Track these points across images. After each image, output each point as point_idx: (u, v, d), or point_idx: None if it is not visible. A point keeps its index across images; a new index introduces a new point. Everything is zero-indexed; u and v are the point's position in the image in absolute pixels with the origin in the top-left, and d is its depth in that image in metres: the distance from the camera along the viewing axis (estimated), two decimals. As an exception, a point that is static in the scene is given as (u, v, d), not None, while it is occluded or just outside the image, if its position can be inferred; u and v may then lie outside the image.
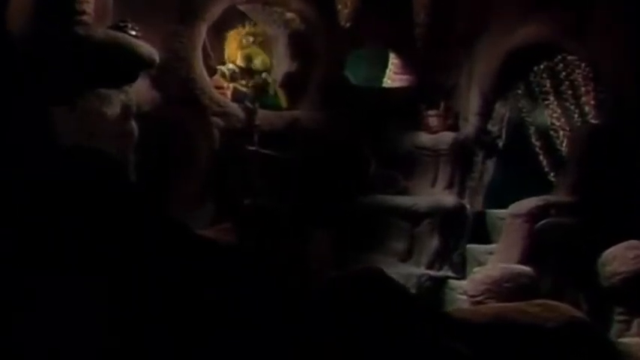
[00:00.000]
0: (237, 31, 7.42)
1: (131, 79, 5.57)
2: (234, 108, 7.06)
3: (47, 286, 2.74)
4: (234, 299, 3.12)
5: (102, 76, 5.22)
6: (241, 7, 7.40)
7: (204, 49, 7.00)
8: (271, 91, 7.38)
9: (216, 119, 6.92)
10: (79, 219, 2.86)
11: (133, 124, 5.81)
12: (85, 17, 5.06)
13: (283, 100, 7.51)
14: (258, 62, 7.34)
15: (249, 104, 7.09)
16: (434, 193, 7.54)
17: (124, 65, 5.31)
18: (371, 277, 3.93)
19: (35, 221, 2.81)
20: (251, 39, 7.40)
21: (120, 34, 5.24)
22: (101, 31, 5.10)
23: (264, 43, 7.49)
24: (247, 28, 7.42)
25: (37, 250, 2.77)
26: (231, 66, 7.35)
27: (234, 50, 7.36)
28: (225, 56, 7.38)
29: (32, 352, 2.67)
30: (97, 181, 2.96)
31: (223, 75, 7.28)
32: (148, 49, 5.41)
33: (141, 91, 6.51)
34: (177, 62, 6.67)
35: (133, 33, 5.48)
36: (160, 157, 6.88)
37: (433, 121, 7.65)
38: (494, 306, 5.02)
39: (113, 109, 5.38)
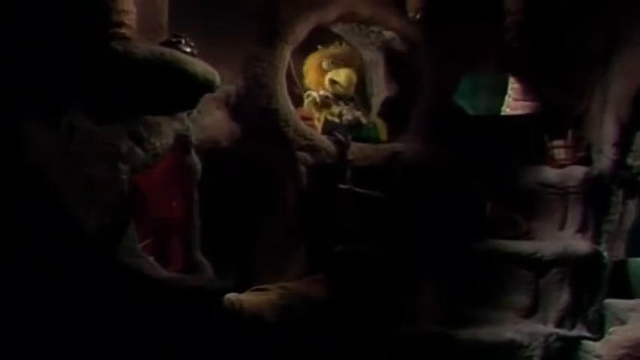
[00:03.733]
0: (313, 55, 6.60)
1: (186, 104, 4.81)
2: (324, 141, 6.20)
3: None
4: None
5: (145, 101, 4.46)
6: (335, 29, 6.62)
7: (289, 75, 6.19)
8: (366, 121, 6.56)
9: (302, 154, 6.08)
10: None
11: (194, 157, 5.06)
12: (124, 30, 4.33)
13: (382, 132, 6.63)
14: (342, 77, 6.52)
15: (340, 136, 6.23)
16: (562, 238, 6.57)
17: (173, 87, 4.53)
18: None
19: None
20: (331, 61, 6.58)
21: (168, 51, 4.46)
22: (144, 47, 4.33)
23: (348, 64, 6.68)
24: (325, 50, 6.60)
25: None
26: (322, 92, 6.55)
27: (315, 76, 6.56)
28: (306, 85, 6.57)
29: None
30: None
31: (314, 102, 6.48)
32: (204, 68, 4.61)
33: (218, 123, 5.82)
34: (257, 90, 5.90)
35: (188, 50, 4.70)
36: (241, 199, 6.18)
37: (560, 154, 6.71)
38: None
39: (163, 140, 4.62)
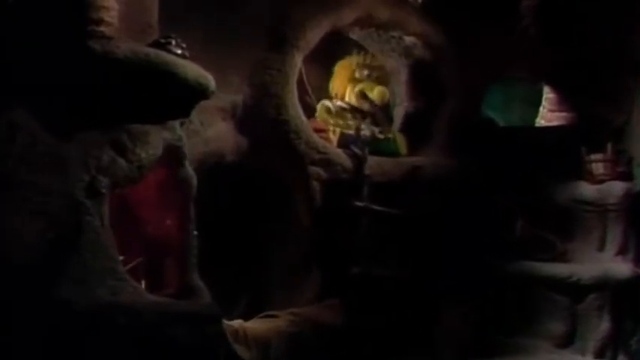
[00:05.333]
0: (349, 60, 6.24)
1: (178, 112, 4.38)
2: (339, 155, 5.76)
3: None
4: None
5: (129, 106, 4.05)
6: (353, 35, 6.19)
7: (300, 83, 5.77)
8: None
9: (315, 169, 5.64)
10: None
11: (189, 170, 4.63)
12: (103, 28, 3.91)
13: (402, 145, 6.20)
14: (374, 94, 6.12)
15: (357, 150, 5.78)
16: (601, 261, 6.18)
17: (161, 92, 4.10)
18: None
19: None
20: (366, 72, 6.18)
21: (154, 52, 4.03)
22: (126, 47, 3.91)
23: (382, 80, 6.25)
24: (363, 58, 6.20)
25: None
26: (339, 102, 6.12)
27: (344, 83, 6.15)
28: (331, 90, 6.18)
29: None
30: None
31: (328, 111, 6.05)
32: (195, 71, 4.17)
33: (223, 136, 5.43)
34: (266, 99, 5.48)
35: (179, 51, 4.27)
36: (249, 218, 5.76)
37: (598, 168, 6.35)
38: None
39: (150, 151, 4.20)
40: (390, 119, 6.31)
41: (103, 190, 4.02)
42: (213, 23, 5.39)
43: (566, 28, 6.14)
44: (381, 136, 6.14)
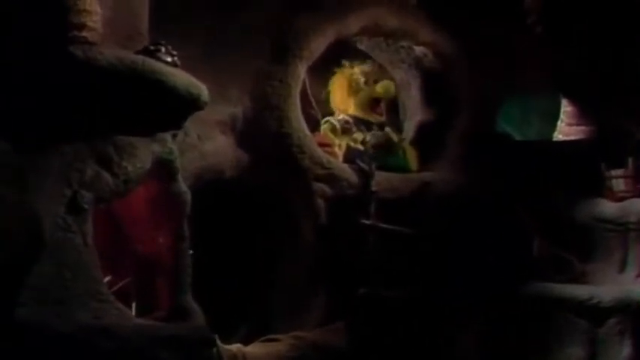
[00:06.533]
0: (341, 73, 5.95)
1: (168, 123, 4.14)
2: (344, 170, 5.48)
3: None
4: None
5: (116, 117, 3.81)
6: (361, 46, 5.94)
7: (303, 95, 5.51)
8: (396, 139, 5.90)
9: (320, 185, 5.38)
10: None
11: (182, 186, 4.38)
12: (86, 34, 3.69)
13: (412, 160, 5.92)
14: (379, 90, 5.86)
15: (364, 165, 5.51)
16: (622, 282, 5.87)
17: (149, 102, 3.87)
18: None
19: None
20: (362, 80, 5.90)
21: (141, 59, 3.80)
22: (110, 54, 3.68)
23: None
24: (354, 68, 5.92)
25: None
26: (341, 116, 5.86)
27: (344, 98, 5.89)
28: (332, 106, 5.94)
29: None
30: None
31: (333, 129, 5.79)
32: (186, 80, 3.94)
33: (222, 150, 5.17)
34: (267, 112, 5.22)
35: (168, 59, 4.04)
36: (251, 237, 5.51)
37: (619, 185, 6.09)
38: None
39: (138, 164, 3.96)
40: (399, 130, 6.08)
41: (86, 206, 3.78)
42: (212, 32, 5.11)
43: (582, 37, 5.90)
44: (394, 138, 5.90)
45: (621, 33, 6.04)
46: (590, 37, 6.04)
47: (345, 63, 5.95)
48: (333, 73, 5.99)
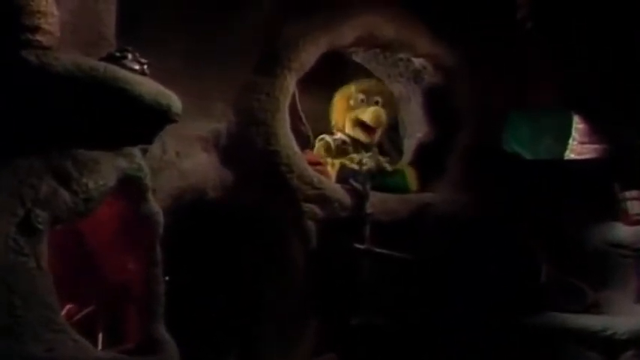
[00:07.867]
0: (346, 88, 5.66)
1: (135, 136, 3.80)
2: (336, 191, 5.14)
3: None
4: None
5: (75, 129, 3.48)
6: (357, 58, 5.62)
7: (293, 110, 5.19)
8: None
9: (310, 207, 5.04)
10: None
11: (153, 206, 4.03)
12: (40, 37, 3.37)
13: (412, 180, 5.56)
14: (366, 116, 5.52)
15: (357, 185, 5.16)
16: (639, 313, 5.49)
17: (112, 113, 3.53)
18: None
19: None
20: (361, 97, 5.57)
21: (103, 66, 3.47)
22: (68, 59, 3.35)
23: (386, 106, 5.66)
24: (359, 84, 5.60)
25: None
26: (339, 135, 5.53)
27: (342, 114, 5.57)
28: (333, 124, 5.64)
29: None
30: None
31: (327, 148, 5.47)
32: (153, 89, 3.60)
33: (203, 168, 4.84)
34: (253, 128, 4.90)
35: (136, 67, 3.71)
36: (235, 263, 5.18)
37: (634, 207, 5.75)
38: None
39: (100, 181, 3.61)
40: (398, 148, 5.74)
41: (41, 226, 3.43)
42: (194, 42, 4.82)
43: (581, 37, 5.57)
44: (389, 168, 5.55)
45: (624, 34, 5.74)
46: (591, 37, 5.72)
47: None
48: (333, 88, 5.72)
